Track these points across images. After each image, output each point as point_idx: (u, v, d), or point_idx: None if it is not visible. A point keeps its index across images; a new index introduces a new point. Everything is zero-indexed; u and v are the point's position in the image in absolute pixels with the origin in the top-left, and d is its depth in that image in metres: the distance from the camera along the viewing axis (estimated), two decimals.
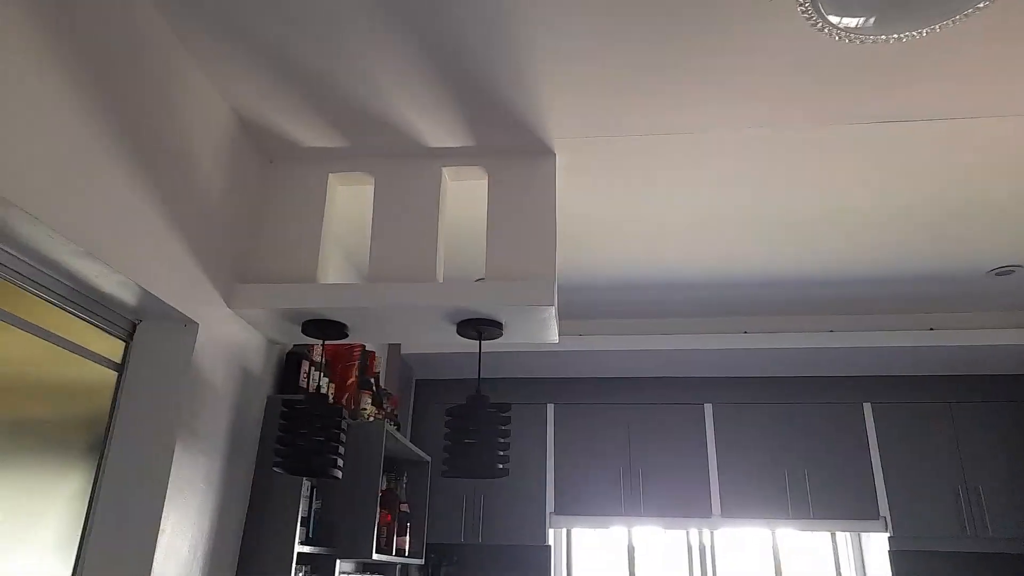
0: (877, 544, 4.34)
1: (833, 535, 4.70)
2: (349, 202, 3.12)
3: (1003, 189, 2.93)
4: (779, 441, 4.43)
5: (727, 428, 4.49)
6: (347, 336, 2.64)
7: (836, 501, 4.28)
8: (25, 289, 1.86)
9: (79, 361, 2.06)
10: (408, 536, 3.73)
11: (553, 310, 2.41)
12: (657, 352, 4.23)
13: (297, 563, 2.83)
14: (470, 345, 4.19)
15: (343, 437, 2.41)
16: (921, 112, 2.43)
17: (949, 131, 2.54)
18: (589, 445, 4.55)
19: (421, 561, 3.78)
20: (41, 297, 1.91)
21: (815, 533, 4.61)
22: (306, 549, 2.69)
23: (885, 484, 4.28)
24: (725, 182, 2.92)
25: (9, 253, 1.76)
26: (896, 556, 4.31)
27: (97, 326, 2.12)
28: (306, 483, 2.78)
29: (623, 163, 2.78)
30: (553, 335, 2.62)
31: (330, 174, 2.74)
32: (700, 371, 4.57)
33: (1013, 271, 3.69)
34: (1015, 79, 2.25)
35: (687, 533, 4.77)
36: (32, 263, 1.83)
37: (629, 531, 4.82)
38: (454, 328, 2.58)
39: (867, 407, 4.45)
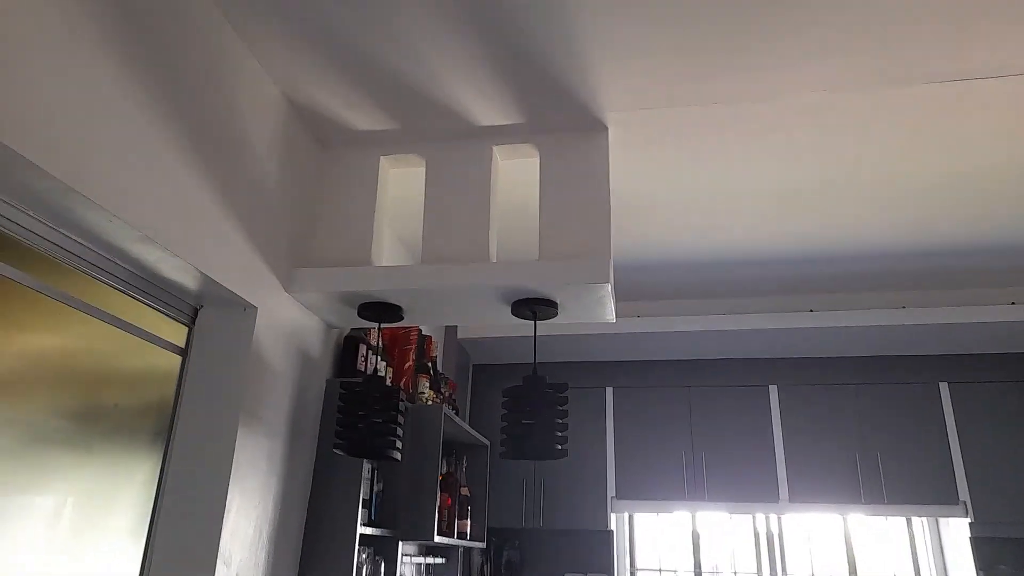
0: (956, 530, 4.15)
1: (909, 521, 4.51)
2: (401, 184, 3.12)
3: None
4: (849, 423, 4.27)
5: (794, 410, 4.35)
6: (402, 319, 2.65)
7: (912, 486, 4.10)
8: (90, 275, 1.91)
9: (145, 347, 2.12)
10: (470, 520, 3.74)
11: (609, 287, 2.36)
12: (719, 333, 4.11)
13: (360, 545, 2.86)
14: (526, 327, 4.17)
15: (401, 419, 2.41)
16: (1002, 67, 2.27)
17: None
18: (650, 429, 4.47)
19: (483, 544, 3.79)
20: (105, 283, 1.96)
21: (890, 519, 4.44)
22: (369, 531, 2.71)
23: (965, 468, 4.07)
24: (787, 152, 2.80)
25: (73, 239, 1.80)
26: (978, 543, 4.11)
27: (160, 311, 2.17)
28: (367, 465, 2.81)
29: (679, 136, 2.69)
30: (610, 314, 2.56)
31: (381, 157, 2.74)
32: (764, 352, 4.43)
33: None
34: None
35: (753, 519, 4.65)
36: (95, 249, 1.87)
37: (693, 516, 4.73)
38: (508, 308, 2.55)
39: (943, 387, 4.24)
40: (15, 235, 1.68)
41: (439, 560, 3.72)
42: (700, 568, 4.62)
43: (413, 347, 3.28)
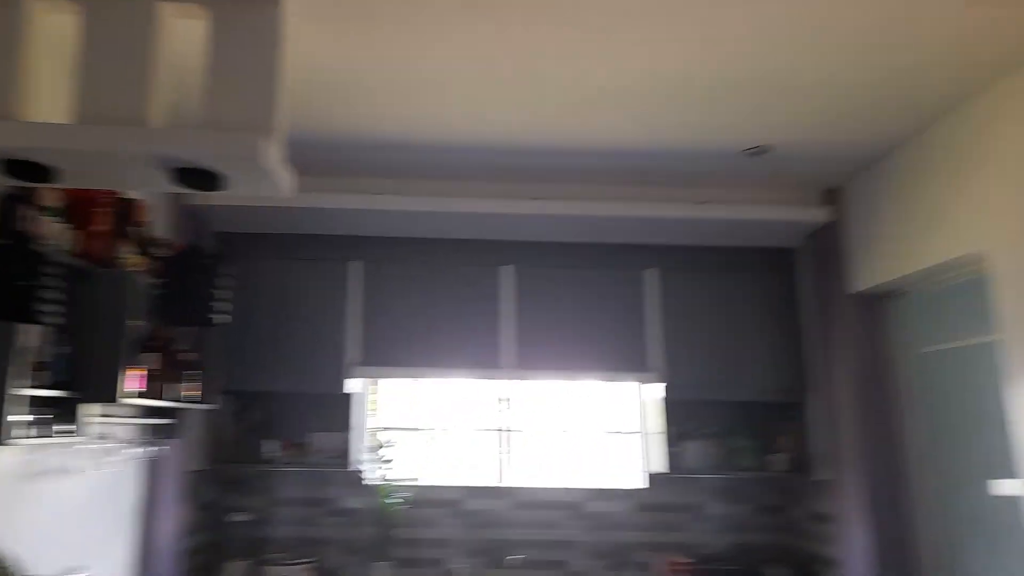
0: (655, 394, 4.82)
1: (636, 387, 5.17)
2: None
3: (780, 61, 3.05)
4: (571, 309, 4.75)
5: (522, 288, 4.75)
6: (51, 181, 2.53)
7: (615, 357, 4.68)
8: None
9: None
10: (199, 383, 3.79)
11: (268, 164, 2.37)
12: (449, 215, 4.34)
13: (44, 406, 2.85)
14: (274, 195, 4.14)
15: (45, 282, 2.36)
16: None
17: None
18: (393, 300, 4.70)
19: (215, 406, 3.88)
20: None
21: (614, 384, 5.08)
22: (39, 392, 2.70)
23: (664, 343, 4.69)
24: (506, 43, 2.90)
25: None
26: (668, 404, 4.84)
27: None
28: (42, 329, 2.75)
29: (382, 11, 2.69)
30: (281, 190, 2.60)
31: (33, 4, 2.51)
32: (496, 234, 4.73)
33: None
34: None
35: (491, 384, 5.13)
36: None
37: (430, 381, 5.13)
38: (171, 176, 2.51)
39: (649, 273, 4.78)
40: None
41: (167, 421, 3.79)
42: (440, 426, 5.08)
43: (108, 210, 3.16)
